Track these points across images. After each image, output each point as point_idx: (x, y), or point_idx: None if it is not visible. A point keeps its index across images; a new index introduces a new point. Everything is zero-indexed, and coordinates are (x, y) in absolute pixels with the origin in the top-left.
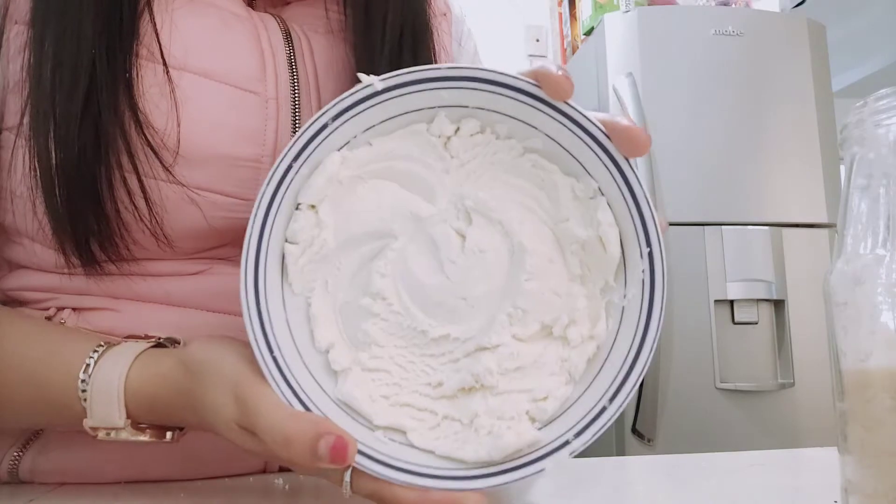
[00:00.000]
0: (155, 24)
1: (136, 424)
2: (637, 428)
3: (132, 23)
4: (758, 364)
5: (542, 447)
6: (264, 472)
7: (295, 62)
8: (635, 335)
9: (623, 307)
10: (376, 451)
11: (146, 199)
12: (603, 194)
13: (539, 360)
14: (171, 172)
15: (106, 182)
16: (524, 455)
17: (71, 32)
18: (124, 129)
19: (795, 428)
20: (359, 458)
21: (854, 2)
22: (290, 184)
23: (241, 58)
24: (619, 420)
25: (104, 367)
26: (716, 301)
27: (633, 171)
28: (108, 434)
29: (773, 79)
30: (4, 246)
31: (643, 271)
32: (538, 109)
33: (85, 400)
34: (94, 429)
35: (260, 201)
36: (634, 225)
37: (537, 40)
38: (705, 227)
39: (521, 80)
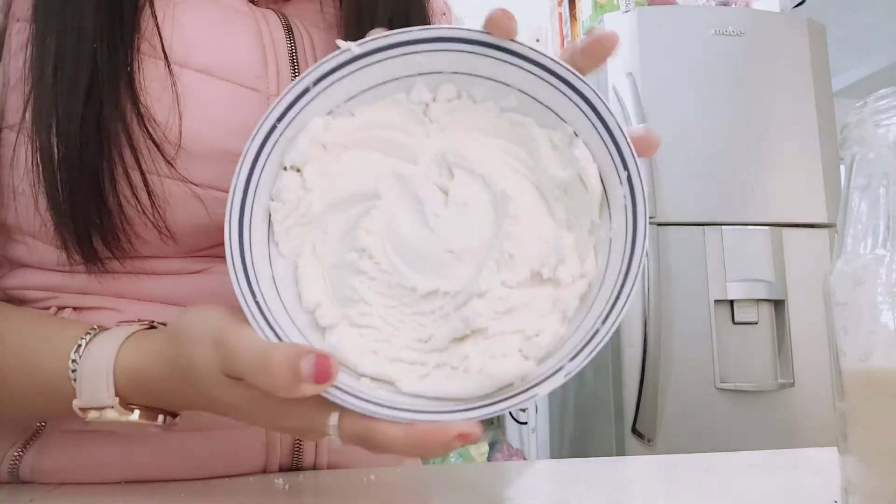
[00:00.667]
0: (156, 19)
1: (126, 404)
2: (637, 428)
3: (133, 17)
4: (758, 364)
5: (535, 378)
6: (264, 472)
7: (296, 57)
8: (623, 258)
9: (610, 239)
10: (363, 393)
11: (149, 192)
12: (578, 136)
13: (530, 302)
14: (173, 166)
15: (108, 176)
16: (517, 388)
17: (72, 27)
18: (126, 123)
19: (795, 428)
20: (344, 397)
21: (854, 2)
22: (274, 144)
23: (242, 54)
24: (619, 420)
25: (94, 347)
26: (716, 301)
27: (603, 103)
28: (98, 415)
29: (773, 79)
30: (6, 244)
31: (624, 196)
32: (508, 63)
33: (75, 380)
34: (84, 410)
35: (244, 159)
36: (610, 154)
37: (537, 40)
38: (705, 227)
39: (475, 31)
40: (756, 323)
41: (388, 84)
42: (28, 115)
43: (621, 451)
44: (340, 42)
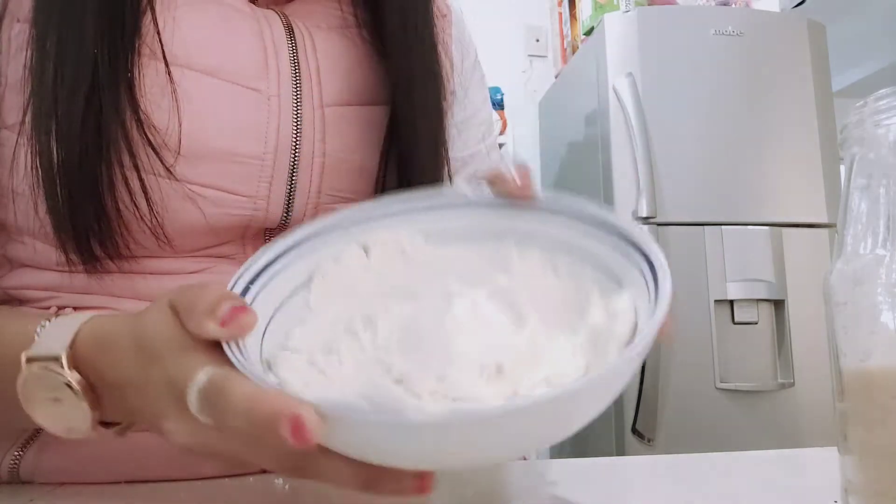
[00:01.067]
0: (157, 23)
1: (76, 364)
2: (637, 428)
3: (134, 21)
4: (758, 364)
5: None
6: (264, 471)
7: (297, 58)
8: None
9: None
10: (255, 362)
11: (147, 198)
12: (624, 286)
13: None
14: (172, 173)
15: (107, 181)
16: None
17: (73, 31)
18: (126, 128)
19: (795, 428)
20: (235, 352)
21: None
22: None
23: (243, 55)
24: (619, 420)
25: (60, 319)
26: (716, 301)
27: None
28: (42, 369)
29: (773, 79)
30: (6, 244)
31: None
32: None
33: (37, 334)
34: (29, 360)
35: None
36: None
37: (537, 40)
38: (705, 227)
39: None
40: (756, 323)
41: (478, 232)
42: (28, 118)
43: (621, 451)
44: (459, 186)
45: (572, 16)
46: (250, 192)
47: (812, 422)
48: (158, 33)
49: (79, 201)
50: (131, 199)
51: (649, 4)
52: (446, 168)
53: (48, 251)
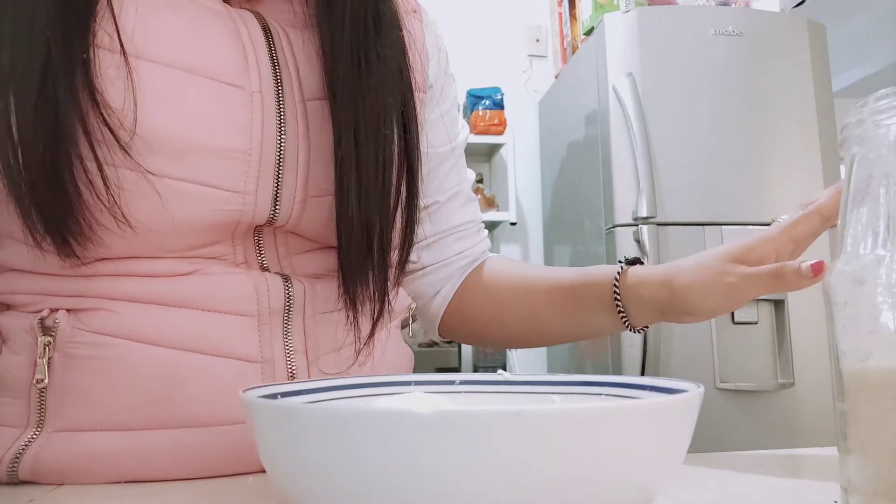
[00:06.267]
0: (112, 8)
1: None
2: None
3: (88, 5)
4: (758, 364)
5: None
6: (265, 471)
7: (276, 55)
8: None
9: None
10: None
11: (104, 178)
12: None
13: None
14: (128, 152)
15: (66, 162)
16: None
17: (26, 14)
18: (82, 111)
19: (795, 428)
20: None
21: (854, 2)
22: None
23: (222, 53)
24: None
25: None
26: None
27: None
28: None
29: (773, 79)
30: None
31: None
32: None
33: None
34: None
35: None
36: None
37: (537, 40)
38: (705, 227)
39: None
40: (756, 323)
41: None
42: None
43: None
44: (501, 372)
45: (572, 16)
46: (238, 188)
47: (812, 422)
48: (114, 16)
49: (39, 183)
50: (88, 178)
51: (649, 4)
52: (416, 154)
53: (33, 254)
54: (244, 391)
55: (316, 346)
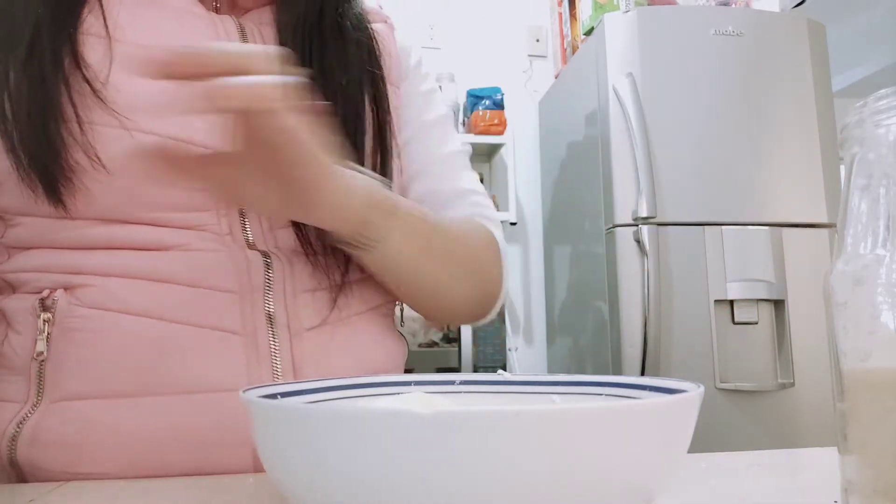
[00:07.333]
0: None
1: None
2: None
3: None
4: (758, 364)
5: None
6: (265, 471)
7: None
8: None
9: None
10: None
11: (79, 121)
12: None
13: None
14: (101, 98)
15: (51, 114)
16: None
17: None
18: (63, 68)
19: (795, 428)
20: None
21: (854, 2)
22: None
23: (198, 41)
24: None
25: None
26: (716, 301)
27: None
28: None
29: (773, 79)
30: (5, 231)
31: None
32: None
33: None
34: None
35: None
36: None
37: (537, 40)
38: (705, 227)
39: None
40: (756, 323)
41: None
42: None
43: None
44: (501, 372)
45: (572, 16)
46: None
47: (812, 422)
48: (101, 4)
49: (28, 132)
50: (64, 121)
51: (649, 4)
52: (390, 139)
53: (38, 223)
54: (244, 391)
55: (297, 321)
